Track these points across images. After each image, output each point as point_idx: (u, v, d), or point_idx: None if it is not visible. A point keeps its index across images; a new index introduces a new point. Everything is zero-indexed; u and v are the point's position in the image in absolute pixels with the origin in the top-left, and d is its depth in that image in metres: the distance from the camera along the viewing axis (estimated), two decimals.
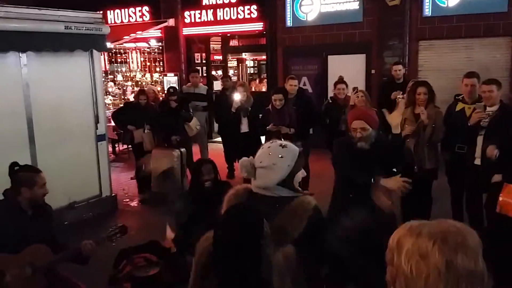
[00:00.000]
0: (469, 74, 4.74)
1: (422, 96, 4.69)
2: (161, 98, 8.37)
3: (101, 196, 6.26)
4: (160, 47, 12.08)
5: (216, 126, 9.47)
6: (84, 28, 5.56)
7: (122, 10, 11.87)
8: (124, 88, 11.88)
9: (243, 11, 10.34)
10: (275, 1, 9.99)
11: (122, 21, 11.92)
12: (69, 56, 5.60)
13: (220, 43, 12.08)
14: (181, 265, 3.61)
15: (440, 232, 1.14)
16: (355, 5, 9.17)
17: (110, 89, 11.53)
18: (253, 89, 11.67)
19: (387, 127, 6.07)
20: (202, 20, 10.98)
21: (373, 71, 9.16)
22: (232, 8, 10.48)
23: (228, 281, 1.73)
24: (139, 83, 12.02)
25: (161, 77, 11.90)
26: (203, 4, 10.88)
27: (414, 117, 4.73)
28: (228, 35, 11.44)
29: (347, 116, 3.86)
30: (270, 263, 1.72)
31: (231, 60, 13.01)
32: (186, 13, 11.16)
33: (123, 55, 12.41)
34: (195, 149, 7.64)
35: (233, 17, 10.49)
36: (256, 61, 14.78)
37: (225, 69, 12.02)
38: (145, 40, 12.09)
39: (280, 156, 1.98)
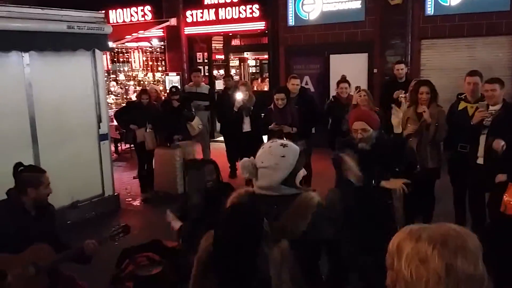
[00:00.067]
0: (471, 73, 4.73)
1: (425, 96, 4.68)
2: (163, 98, 8.37)
3: (104, 195, 6.27)
4: (162, 47, 12.09)
5: (218, 125, 9.47)
6: (86, 28, 5.57)
7: (124, 9, 11.88)
8: (126, 87, 11.89)
9: (245, 10, 10.34)
10: (277, 0, 9.98)
11: (124, 21, 11.93)
12: (71, 55, 5.62)
13: (222, 42, 12.07)
14: (184, 264, 3.61)
15: (440, 236, 1.14)
16: (357, 4, 9.16)
17: (112, 89, 11.53)
18: (255, 89, 11.67)
19: (389, 127, 6.06)
20: (204, 19, 10.98)
21: (375, 70, 9.15)
22: (234, 8, 10.47)
23: (228, 280, 1.74)
24: (141, 82, 12.02)
25: (163, 77, 11.90)
26: (205, 3, 10.88)
27: (416, 116, 4.72)
28: (230, 34, 11.43)
29: (348, 117, 3.86)
30: (268, 260, 1.73)
31: (233, 60, 12.99)
32: (188, 13, 11.16)
33: (125, 54, 12.42)
34: (197, 149, 7.64)
35: (235, 17, 10.49)
36: (258, 61, 14.76)
37: (227, 68, 12.01)
38: (147, 39, 12.10)
39: (282, 155, 1.98)
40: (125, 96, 11.48)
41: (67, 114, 5.74)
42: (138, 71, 12.48)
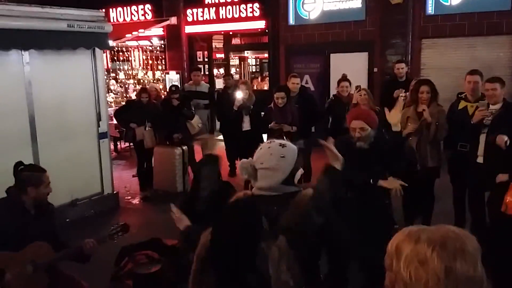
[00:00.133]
0: (472, 72, 4.72)
1: (425, 95, 4.68)
2: (163, 96, 8.37)
3: (103, 193, 6.27)
4: (162, 45, 12.09)
5: (218, 124, 9.47)
6: (86, 26, 5.56)
7: (125, 8, 11.88)
8: (126, 86, 11.89)
9: (246, 9, 10.34)
10: None
11: (124, 19, 11.93)
12: (71, 54, 5.61)
13: (222, 41, 12.08)
14: (183, 262, 3.61)
15: (439, 237, 1.14)
16: (358, 3, 9.15)
17: (112, 87, 11.54)
18: (255, 88, 11.66)
19: (389, 125, 6.06)
20: (205, 18, 10.98)
21: (375, 70, 9.15)
22: (234, 6, 10.47)
23: (225, 277, 1.74)
24: (141, 81, 12.03)
25: (163, 75, 11.90)
26: (206, 2, 10.88)
27: (417, 116, 4.71)
28: (231, 33, 11.43)
29: (347, 116, 3.87)
30: (266, 257, 1.73)
31: (233, 58, 13.00)
32: (189, 11, 11.16)
33: (125, 53, 12.42)
34: (197, 147, 7.64)
35: (236, 15, 10.49)
36: (258, 59, 14.77)
37: (227, 67, 12.01)
38: (147, 38, 12.10)
39: (282, 156, 1.98)
40: (124, 95, 11.49)
41: (66, 113, 5.74)
42: (138, 69, 12.48)
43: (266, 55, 11.66)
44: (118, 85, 11.93)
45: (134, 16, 11.83)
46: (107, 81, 10.06)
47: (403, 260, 1.14)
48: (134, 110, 6.86)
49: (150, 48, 12.55)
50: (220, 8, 10.64)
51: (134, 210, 6.50)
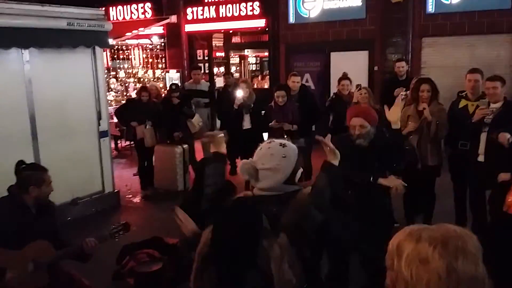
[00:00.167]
0: (472, 70, 4.72)
1: (426, 94, 4.67)
2: (163, 95, 8.36)
3: (104, 192, 6.27)
4: (162, 44, 12.08)
5: (218, 122, 9.46)
6: (86, 25, 5.55)
7: (125, 6, 11.87)
8: (126, 84, 11.87)
9: (246, 7, 10.33)
10: None
11: (124, 18, 11.92)
12: (71, 52, 5.60)
13: (222, 40, 12.07)
14: (184, 261, 3.61)
15: (440, 236, 1.14)
16: (358, 2, 9.14)
17: (112, 86, 11.52)
18: (255, 86, 11.65)
19: (388, 123, 6.05)
20: (205, 16, 10.97)
21: (376, 68, 9.15)
22: (234, 5, 10.46)
23: (226, 276, 1.74)
24: (141, 79, 12.01)
25: (163, 74, 11.89)
26: (205, 0, 10.87)
27: (417, 114, 4.71)
28: (231, 31, 11.42)
29: (346, 113, 3.86)
30: (267, 254, 1.73)
31: (233, 57, 12.98)
32: (189, 10, 11.15)
33: (126, 51, 12.40)
34: (197, 146, 7.64)
35: (236, 14, 10.48)
36: (259, 58, 14.75)
37: (227, 66, 12.00)
38: (148, 36, 12.08)
39: (283, 156, 1.98)
40: (125, 93, 11.47)
41: (67, 111, 5.74)
42: (138, 68, 12.46)
43: (266, 53, 11.65)
44: (118, 83, 11.91)
45: (134, 14, 11.82)
46: (107, 79, 10.06)
47: (404, 259, 1.14)
48: (134, 108, 6.86)
49: (150, 46, 12.53)
50: (220, 6, 10.63)
51: (135, 209, 6.50)
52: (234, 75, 10.15)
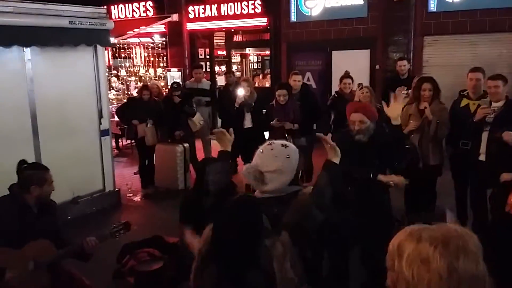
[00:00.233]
0: (474, 69, 4.71)
1: (427, 93, 4.66)
2: (164, 94, 8.36)
3: (105, 191, 6.28)
4: (164, 42, 12.07)
5: (219, 121, 9.46)
6: (88, 23, 5.55)
7: (126, 5, 11.87)
8: (128, 83, 11.89)
9: (247, 6, 10.31)
10: None
11: (126, 16, 11.92)
12: (73, 51, 5.60)
13: (223, 38, 12.06)
14: (184, 260, 3.61)
15: (441, 236, 1.13)
16: (360, 0, 9.12)
17: (113, 84, 11.53)
18: (256, 85, 11.65)
19: (388, 119, 6.05)
20: (206, 15, 10.96)
21: (377, 67, 9.13)
22: (236, 3, 10.44)
23: (227, 273, 1.73)
24: (143, 78, 12.02)
25: (164, 73, 11.90)
26: None
27: (419, 113, 4.70)
28: (232, 30, 11.41)
29: (346, 109, 3.85)
30: (270, 253, 1.73)
31: (234, 56, 12.98)
32: (190, 8, 11.14)
33: (127, 50, 12.41)
34: (198, 145, 7.64)
35: (237, 12, 10.47)
36: (260, 57, 14.74)
37: (228, 64, 12.00)
38: (149, 35, 12.08)
39: (287, 156, 1.98)
40: (126, 92, 11.48)
41: (68, 110, 5.74)
42: (139, 67, 12.47)
43: (267, 52, 11.63)
44: (120, 82, 11.93)
45: (136, 13, 11.81)
46: (108, 78, 10.06)
47: (405, 259, 1.14)
48: (135, 107, 6.86)
49: (152, 45, 12.53)
50: (222, 5, 10.62)
51: (136, 208, 6.50)
52: (235, 74, 10.13)
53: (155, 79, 11.62)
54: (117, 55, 12.28)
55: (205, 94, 8.10)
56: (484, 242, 1.16)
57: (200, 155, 7.47)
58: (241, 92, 6.78)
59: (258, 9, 10.19)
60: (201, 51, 11.88)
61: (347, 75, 6.51)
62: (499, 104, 4.31)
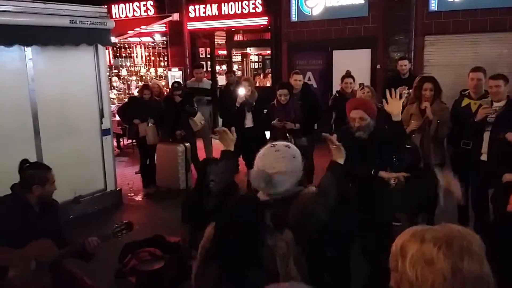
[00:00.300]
0: (475, 69, 4.70)
1: (428, 92, 4.66)
2: (165, 93, 8.36)
3: (106, 190, 6.28)
4: (165, 42, 12.07)
5: (220, 121, 9.46)
6: (89, 23, 5.55)
7: (127, 4, 11.86)
8: (129, 82, 11.89)
9: (248, 5, 10.31)
10: None
11: (127, 16, 11.91)
12: (74, 50, 5.60)
13: (224, 37, 12.06)
14: (186, 259, 3.61)
15: (445, 237, 1.13)
16: (361, 0, 9.11)
17: (114, 84, 11.54)
18: (257, 84, 11.65)
19: (389, 116, 6.02)
20: (207, 14, 10.95)
21: (378, 66, 9.12)
22: (236, 3, 10.44)
23: (228, 272, 1.74)
24: (144, 77, 12.02)
25: (165, 72, 11.90)
26: None
27: (420, 113, 4.70)
28: (233, 29, 11.41)
29: (346, 106, 3.84)
30: (273, 252, 1.73)
31: (235, 55, 12.98)
32: (191, 8, 11.14)
33: (128, 49, 12.41)
34: (200, 144, 7.65)
35: (238, 12, 10.46)
36: (261, 56, 14.74)
37: (229, 64, 11.99)
38: (150, 34, 12.08)
39: (293, 156, 1.98)
40: (127, 91, 11.49)
41: (69, 109, 5.75)
42: (140, 66, 12.48)
43: (268, 51, 11.63)
44: (121, 81, 11.93)
45: (137, 12, 11.81)
46: (109, 77, 10.06)
47: (408, 260, 1.14)
48: (136, 107, 6.86)
49: (153, 44, 12.53)
50: (223, 4, 10.61)
51: (137, 207, 6.51)
52: (236, 73, 10.14)
53: (156, 79, 11.62)
54: (118, 54, 12.28)
55: (206, 93, 8.10)
56: (485, 242, 1.16)
57: (202, 154, 7.48)
58: (242, 91, 6.77)
59: (258, 8, 10.18)
60: (202, 50, 11.88)
61: (348, 74, 6.49)
62: (501, 104, 4.31)
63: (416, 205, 4.38)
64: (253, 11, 10.26)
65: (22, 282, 2.85)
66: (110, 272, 4.14)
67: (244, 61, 13.89)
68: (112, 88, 10.99)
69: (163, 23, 11.29)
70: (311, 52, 9.86)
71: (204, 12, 10.97)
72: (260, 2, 10.12)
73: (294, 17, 9.93)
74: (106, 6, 6.18)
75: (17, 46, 5.06)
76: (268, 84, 11.67)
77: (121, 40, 10.90)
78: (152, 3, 11.55)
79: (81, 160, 5.86)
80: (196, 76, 8.29)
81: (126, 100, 8.53)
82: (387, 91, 3.69)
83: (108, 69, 9.14)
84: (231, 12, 10.55)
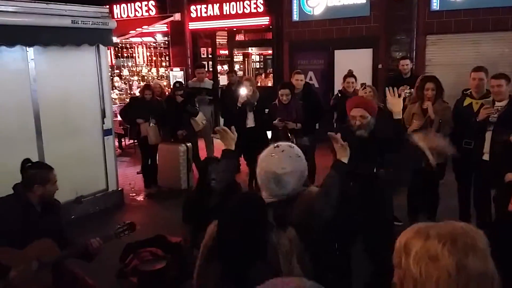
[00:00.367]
0: (476, 68, 4.69)
1: (430, 92, 4.65)
2: (167, 93, 8.36)
3: (108, 190, 6.29)
4: (166, 42, 12.08)
5: (222, 121, 9.46)
6: (90, 23, 5.55)
7: (129, 4, 11.88)
8: (130, 83, 11.90)
9: (249, 5, 10.31)
10: None
11: (128, 16, 11.93)
12: (75, 50, 5.61)
13: (226, 37, 12.06)
14: (187, 259, 3.61)
15: (449, 233, 1.13)
16: None
17: (116, 84, 11.55)
18: (259, 84, 11.65)
19: (390, 113, 6.02)
20: (208, 14, 10.96)
21: (380, 66, 9.11)
22: (238, 2, 10.44)
23: (230, 270, 1.74)
24: (145, 78, 12.03)
25: (167, 72, 11.91)
26: None
27: (422, 112, 4.69)
28: (234, 29, 11.41)
29: (346, 104, 3.84)
30: (276, 249, 1.73)
31: (237, 55, 12.98)
32: (192, 8, 11.14)
33: (129, 49, 12.42)
34: (201, 144, 7.65)
35: (239, 12, 10.46)
36: (262, 56, 14.74)
37: (231, 63, 12.00)
38: (151, 34, 12.09)
39: (298, 156, 1.98)
40: (129, 92, 11.50)
41: (71, 109, 5.75)
42: (142, 66, 12.48)
43: (270, 51, 11.63)
44: (122, 82, 11.94)
45: (138, 12, 11.82)
46: (111, 77, 10.07)
47: (412, 257, 1.13)
48: (137, 107, 6.87)
49: (154, 44, 12.54)
50: (224, 4, 10.62)
51: (139, 207, 6.51)
52: (237, 73, 10.13)
53: (157, 79, 11.63)
54: (119, 54, 12.29)
55: (208, 93, 8.10)
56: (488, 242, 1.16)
57: (203, 154, 7.48)
58: (243, 91, 6.77)
59: (260, 8, 10.18)
60: (203, 50, 11.89)
61: (350, 74, 6.49)
62: (503, 103, 4.30)
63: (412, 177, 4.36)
64: (255, 11, 10.26)
65: (23, 282, 2.86)
66: (111, 272, 4.14)
67: (246, 61, 13.90)
68: (114, 88, 11.00)
69: (164, 23, 11.30)
70: (313, 51, 9.86)
71: (206, 12, 10.98)
72: (262, 2, 10.12)
73: (295, 16, 9.93)
74: (107, 6, 6.19)
75: (19, 46, 5.07)
76: (270, 84, 11.68)
77: (123, 40, 10.92)
78: (153, 3, 11.56)
79: (83, 160, 5.87)
80: (197, 76, 8.29)
81: (128, 100, 8.53)
82: (387, 90, 3.68)
83: (110, 69, 9.14)
84: (233, 12, 10.55)
